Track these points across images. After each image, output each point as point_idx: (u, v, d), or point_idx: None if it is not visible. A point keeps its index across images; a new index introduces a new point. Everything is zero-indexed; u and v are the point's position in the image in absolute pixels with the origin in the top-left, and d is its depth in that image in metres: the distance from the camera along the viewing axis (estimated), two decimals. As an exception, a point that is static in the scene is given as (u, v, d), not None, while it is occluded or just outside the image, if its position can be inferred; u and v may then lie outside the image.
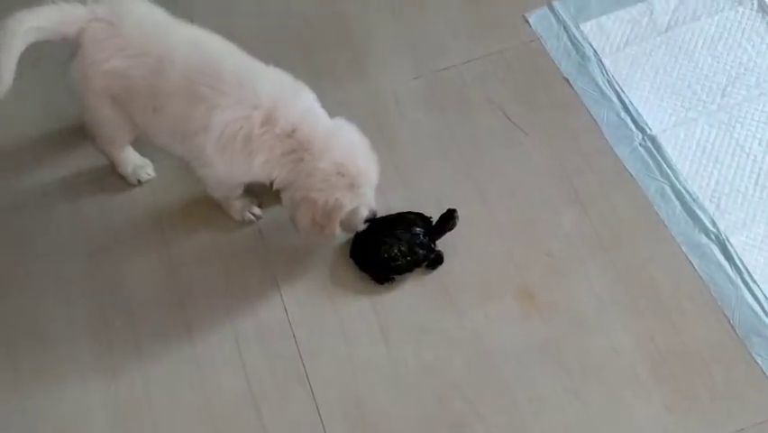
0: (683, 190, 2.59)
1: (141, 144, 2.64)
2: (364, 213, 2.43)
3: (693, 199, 2.58)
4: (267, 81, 2.30)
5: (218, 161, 2.32)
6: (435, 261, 2.50)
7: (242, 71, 2.28)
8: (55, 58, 2.44)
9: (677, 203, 2.58)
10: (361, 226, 2.48)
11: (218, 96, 2.25)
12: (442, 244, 2.51)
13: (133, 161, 2.64)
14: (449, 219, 2.51)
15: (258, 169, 2.31)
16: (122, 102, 2.37)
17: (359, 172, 2.32)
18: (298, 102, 2.33)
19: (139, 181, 2.66)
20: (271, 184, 2.38)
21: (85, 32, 2.31)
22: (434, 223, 2.53)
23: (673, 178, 2.62)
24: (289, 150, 2.28)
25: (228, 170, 2.35)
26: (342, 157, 2.30)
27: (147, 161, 2.66)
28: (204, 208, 2.61)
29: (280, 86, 2.32)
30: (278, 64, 2.39)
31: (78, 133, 2.69)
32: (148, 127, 2.40)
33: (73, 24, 2.31)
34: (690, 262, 2.48)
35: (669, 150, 2.68)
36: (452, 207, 2.54)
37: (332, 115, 2.40)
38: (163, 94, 2.30)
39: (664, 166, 2.65)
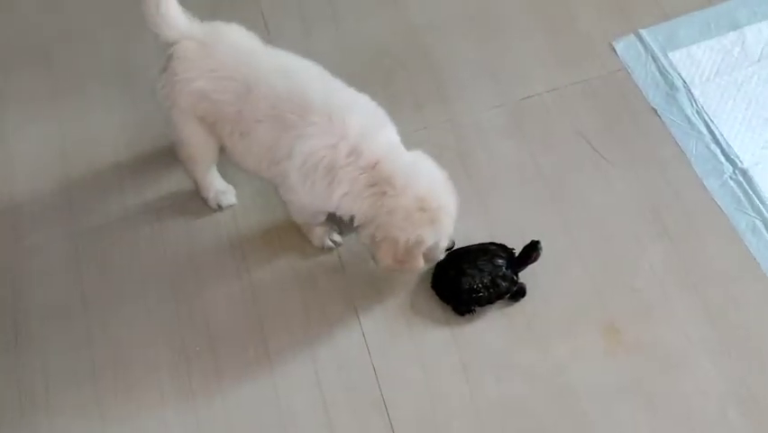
0: (776, 226, 2.57)
1: (224, 170, 2.70)
2: (444, 243, 2.45)
3: (786, 236, 2.55)
4: (356, 112, 2.33)
5: (301, 189, 2.36)
6: (518, 293, 2.51)
7: (331, 100, 2.32)
8: (139, 78, 2.50)
9: (769, 238, 2.56)
10: (442, 256, 2.49)
11: (305, 125, 2.29)
12: (524, 276, 2.51)
13: (216, 187, 2.69)
14: (532, 250, 2.51)
15: (337, 200, 2.33)
16: (210, 124, 2.43)
17: (439, 206, 2.34)
18: (383, 134, 2.36)
19: (219, 206, 2.72)
20: (351, 219, 2.40)
21: (178, 46, 2.38)
22: (516, 254, 2.53)
23: (765, 212, 2.59)
24: (371, 183, 2.30)
25: (310, 198, 2.39)
26: (423, 192, 2.31)
27: (230, 188, 2.72)
28: (284, 234, 2.66)
29: (368, 117, 2.35)
30: (360, 90, 2.43)
31: (162, 156, 2.77)
32: (236, 152, 2.45)
33: (173, 29, 2.38)
34: (783, 300, 2.46)
35: (761, 183, 2.65)
36: (535, 238, 2.54)
37: (413, 143, 2.42)
38: (250, 120, 2.35)
39: (756, 200, 2.62)
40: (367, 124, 2.32)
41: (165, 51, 2.40)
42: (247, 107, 2.34)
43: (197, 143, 2.52)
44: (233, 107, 2.36)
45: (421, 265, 2.42)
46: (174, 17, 2.38)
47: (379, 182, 2.30)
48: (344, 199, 2.33)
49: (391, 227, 2.32)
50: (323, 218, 2.56)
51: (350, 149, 2.29)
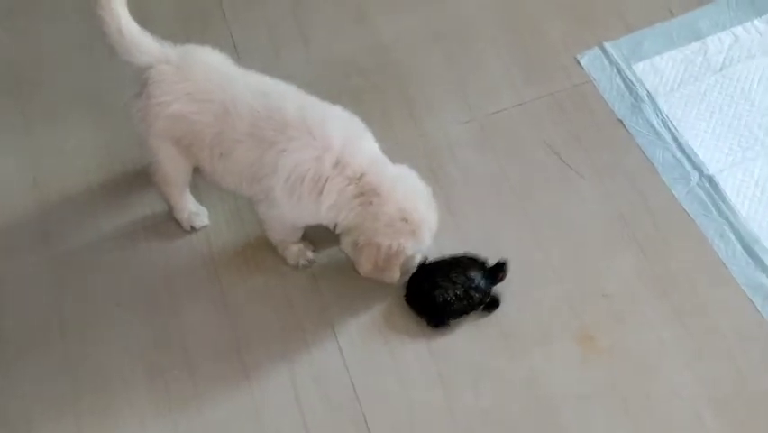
0: (743, 231, 2.63)
1: (197, 191, 2.73)
2: (418, 258, 2.51)
3: (754, 240, 2.61)
4: (335, 123, 2.39)
5: (286, 203, 2.40)
6: (492, 304, 2.55)
7: (309, 113, 2.37)
8: (111, 104, 2.53)
9: (737, 243, 2.61)
10: (412, 270, 2.54)
11: (287, 140, 2.34)
12: (497, 286, 2.56)
13: (189, 208, 2.72)
14: (499, 271, 2.56)
15: (325, 211, 2.39)
16: (186, 146, 2.47)
17: (421, 220, 2.40)
18: (366, 145, 2.43)
19: (193, 228, 2.74)
20: (334, 227, 2.45)
21: (152, 71, 2.42)
22: (489, 266, 2.57)
23: (732, 218, 2.65)
24: (358, 193, 2.36)
25: (295, 212, 2.43)
26: (407, 204, 2.38)
27: (203, 209, 2.75)
28: (258, 254, 2.69)
29: (347, 127, 2.41)
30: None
31: (134, 180, 2.80)
32: (215, 172, 2.49)
33: (144, 54, 2.42)
34: (753, 302, 2.51)
35: (727, 190, 2.71)
36: (506, 249, 2.59)
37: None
38: (230, 140, 2.39)
39: (722, 206, 2.68)
40: (348, 135, 2.38)
41: (140, 76, 2.44)
42: (226, 128, 2.39)
43: (172, 166, 2.55)
44: (212, 129, 2.40)
45: (397, 276, 2.47)
46: (142, 42, 2.42)
47: (365, 192, 2.36)
48: (332, 209, 2.38)
49: (375, 233, 2.37)
50: (299, 235, 2.60)
51: (335, 160, 2.34)
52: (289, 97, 2.41)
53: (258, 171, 2.40)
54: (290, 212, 2.44)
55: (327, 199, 2.37)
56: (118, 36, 2.39)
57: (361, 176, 2.36)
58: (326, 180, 2.35)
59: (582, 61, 3.03)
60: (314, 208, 2.39)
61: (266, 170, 2.38)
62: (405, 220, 2.37)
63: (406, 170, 2.47)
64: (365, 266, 2.45)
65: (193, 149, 2.47)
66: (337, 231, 2.45)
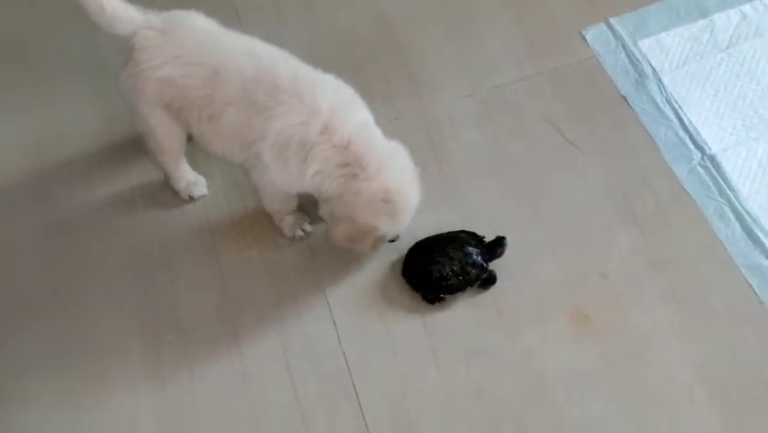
0: (743, 211, 2.60)
1: (195, 161, 2.72)
2: (390, 236, 2.51)
3: (753, 220, 2.58)
4: (326, 89, 2.35)
5: (274, 168, 2.38)
6: (488, 280, 2.53)
7: (301, 79, 2.34)
8: (110, 71, 2.52)
9: (737, 224, 2.59)
10: (381, 246, 2.55)
11: (276, 105, 2.31)
12: (494, 263, 2.54)
13: (187, 177, 2.70)
14: (498, 246, 2.54)
15: (310, 178, 2.36)
16: (176, 110, 2.44)
17: (402, 203, 2.38)
18: (356, 115, 2.39)
19: (191, 197, 2.73)
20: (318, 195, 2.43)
21: (136, 37, 2.39)
22: (486, 242, 2.56)
23: (733, 198, 2.63)
24: (344, 163, 2.33)
25: (283, 177, 2.40)
26: (391, 184, 2.35)
27: (201, 178, 2.73)
28: (255, 225, 2.68)
29: (339, 95, 2.38)
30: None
31: (132, 147, 2.78)
32: (204, 136, 2.46)
33: (126, 23, 2.39)
34: (750, 284, 2.49)
35: (729, 169, 2.69)
36: (505, 226, 2.58)
37: (385, 133, 2.44)
38: (219, 103, 2.36)
39: (724, 186, 2.65)
40: (337, 102, 2.34)
41: (126, 45, 2.41)
42: (216, 91, 2.36)
43: (164, 132, 2.52)
44: (202, 92, 2.37)
45: (368, 250, 2.48)
46: (124, 12, 2.40)
47: (351, 163, 2.33)
48: (316, 177, 2.35)
49: (354, 208, 2.35)
50: (294, 204, 2.58)
51: (322, 126, 2.31)
52: (281, 62, 2.38)
53: (247, 135, 2.37)
54: (279, 177, 2.41)
55: (312, 166, 2.33)
56: (100, 12, 2.37)
57: (348, 144, 2.32)
58: (312, 146, 2.31)
59: (587, 36, 3.00)
60: (299, 174, 2.36)
61: (255, 135, 2.35)
62: (386, 201, 2.35)
63: (397, 147, 2.43)
64: (338, 236, 2.44)
65: (183, 113, 2.44)
66: (320, 198, 2.43)
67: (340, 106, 2.35)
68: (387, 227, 2.41)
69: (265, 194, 2.56)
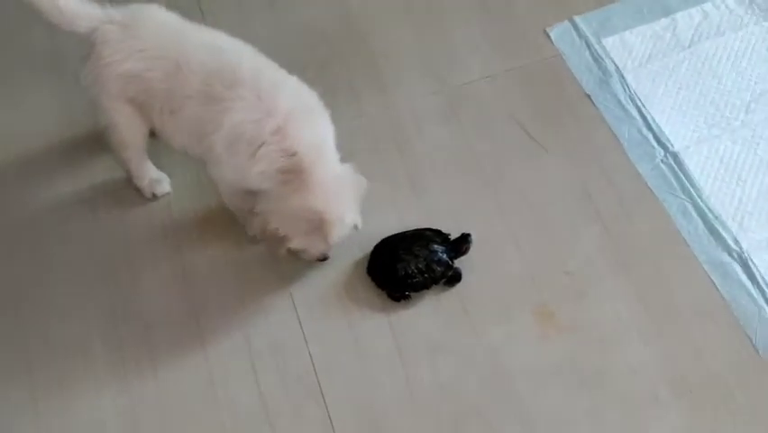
0: (705, 208, 2.61)
1: (158, 159, 2.68)
2: (314, 255, 2.48)
3: (716, 217, 2.59)
4: (288, 92, 2.33)
5: (225, 160, 2.35)
6: (453, 278, 2.52)
7: (263, 76, 2.31)
8: (69, 66, 2.47)
9: (699, 221, 2.60)
10: (311, 262, 2.53)
11: (233, 99, 2.28)
12: (459, 260, 2.53)
13: (150, 175, 2.67)
14: (463, 243, 2.54)
15: (254, 176, 2.33)
16: (139, 104, 2.41)
17: (321, 227, 2.34)
18: (314, 127, 2.35)
19: (154, 195, 2.69)
20: None
21: (98, 32, 2.35)
22: (451, 240, 2.55)
23: (696, 195, 2.64)
24: (286, 168, 2.30)
25: (233, 171, 2.37)
26: (320, 206, 2.31)
27: (164, 176, 2.70)
28: (218, 223, 2.65)
29: (301, 101, 2.35)
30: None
31: (93, 145, 2.73)
32: (166, 130, 2.43)
33: (86, 20, 2.35)
34: (712, 280, 2.50)
35: (691, 167, 2.69)
36: (470, 223, 2.57)
37: (349, 131, 2.42)
38: (180, 96, 2.33)
39: (686, 183, 2.66)
40: (296, 107, 2.32)
41: (87, 40, 2.37)
42: (177, 84, 2.33)
43: (127, 127, 2.49)
44: (163, 84, 2.34)
45: (281, 254, 2.44)
46: (82, 9, 2.36)
47: (292, 171, 2.30)
48: (259, 177, 2.33)
49: (273, 212, 2.34)
50: (254, 201, 2.55)
51: (275, 127, 2.28)
52: (246, 57, 2.35)
53: (203, 128, 2.34)
54: (229, 171, 2.38)
55: (258, 165, 2.30)
56: (57, 14, 2.34)
57: (296, 153, 2.29)
58: (261, 145, 2.28)
59: (552, 35, 2.99)
60: (246, 170, 2.33)
61: (210, 126, 2.32)
62: (305, 219, 2.32)
63: (348, 174, 2.40)
64: (252, 229, 2.44)
65: (146, 107, 2.41)
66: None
67: (298, 113, 2.31)
68: (298, 244, 2.39)
69: (222, 190, 2.53)
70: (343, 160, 2.41)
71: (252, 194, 2.47)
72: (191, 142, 2.42)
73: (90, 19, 2.36)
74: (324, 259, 2.51)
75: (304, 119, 2.33)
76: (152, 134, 2.53)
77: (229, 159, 2.34)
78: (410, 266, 2.47)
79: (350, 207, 2.40)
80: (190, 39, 2.37)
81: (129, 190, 2.70)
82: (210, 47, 2.35)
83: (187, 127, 2.38)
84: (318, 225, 2.34)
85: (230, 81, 2.29)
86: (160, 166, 2.70)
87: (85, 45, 2.39)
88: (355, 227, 2.44)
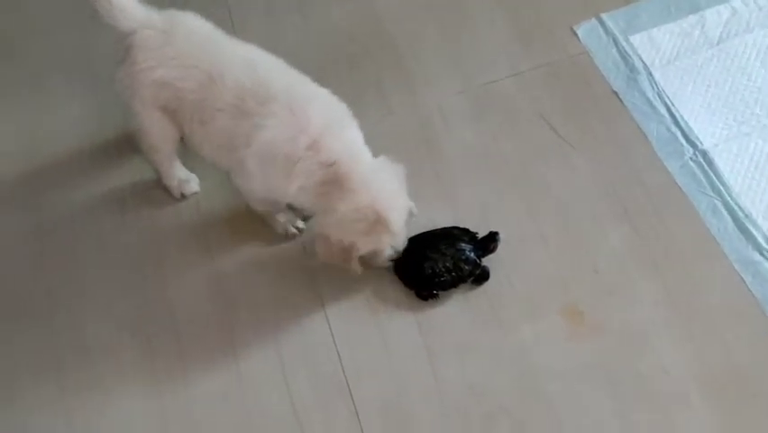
0: (735, 206, 2.57)
1: (186, 159, 2.68)
2: (388, 253, 2.46)
3: (746, 215, 2.56)
4: (319, 105, 2.32)
5: (256, 178, 2.36)
6: (481, 276, 2.51)
7: (295, 92, 2.31)
8: (100, 68, 2.48)
9: (729, 219, 2.56)
10: (387, 264, 2.50)
11: (266, 115, 2.28)
12: (487, 259, 2.52)
13: (178, 175, 2.67)
14: (490, 242, 2.52)
15: (293, 192, 2.33)
16: (171, 112, 2.42)
17: (378, 220, 2.32)
18: (345, 134, 2.35)
19: (183, 195, 2.70)
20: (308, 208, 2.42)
21: (135, 36, 2.35)
22: (479, 238, 2.53)
23: (725, 193, 2.60)
24: (326, 180, 2.30)
25: (266, 187, 2.38)
26: (367, 201, 2.30)
27: (192, 176, 2.71)
28: (247, 223, 2.64)
29: (330, 112, 2.34)
30: (321, 77, 2.42)
31: (123, 146, 2.75)
32: (194, 138, 2.44)
33: (130, 18, 2.35)
34: (743, 279, 2.46)
35: (721, 165, 2.66)
36: (497, 221, 2.56)
37: (378, 130, 2.40)
38: (211, 108, 2.33)
39: (716, 181, 2.63)
40: (329, 120, 2.31)
41: (122, 42, 2.38)
42: (209, 96, 2.33)
43: (159, 133, 2.50)
44: (195, 95, 2.35)
45: (357, 269, 2.42)
46: (131, 7, 2.36)
47: (332, 182, 2.30)
48: (300, 192, 2.33)
49: (326, 226, 2.34)
50: (282, 205, 2.55)
51: (310, 142, 2.28)
52: (278, 72, 2.35)
53: (233, 141, 2.34)
54: (261, 187, 2.39)
55: (296, 181, 2.30)
56: (107, 3, 2.33)
57: (334, 163, 2.29)
58: (298, 161, 2.28)
59: (579, 32, 2.97)
60: (283, 188, 2.33)
61: (240, 141, 2.32)
62: (358, 219, 2.31)
63: (385, 164, 2.39)
64: (320, 253, 2.41)
65: (177, 115, 2.41)
66: (309, 212, 2.42)
67: (331, 124, 2.31)
68: (365, 245, 2.37)
69: (249, 199, 2.54)
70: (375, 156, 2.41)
71: (278, 202, 2.49)
72: (220, 154, 2.42)
73: (134, 19, 2.36)
74: (398, 255, 2.49)
75: (337, 129, 2.32)
76: (182, 138, 2.53)
77: (262, 176, 2.34)
78: (438, 265, 2.46)
79: (397, 192, 2.39)
80: (224, 51, 2.37)
81: (158, 190, 2.71)
82: (244, 61, 2.34)
83: (217, 139, 2.38)
84: (376, 220, 2.32)
85: (263, 97, 2.28)
86: (188, 165, 2.70)
87: (119, 48, 2.40)
88: (411, 213, 2.45)
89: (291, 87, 2.32)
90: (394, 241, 2.41)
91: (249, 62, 2.34)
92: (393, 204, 2.36)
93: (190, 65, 2.34)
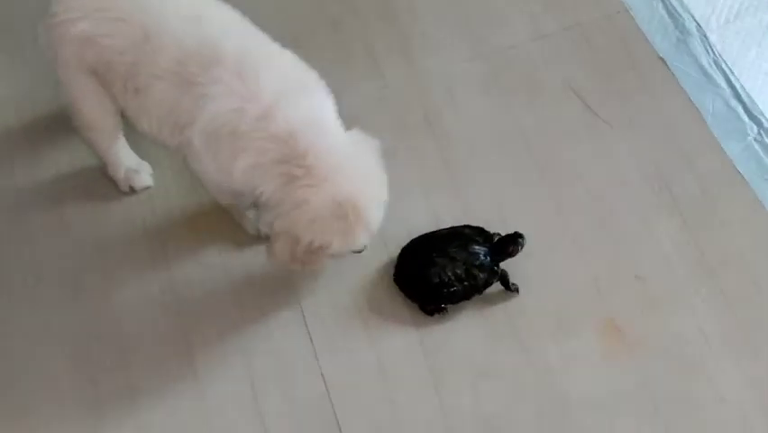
0: (809, 198, 2.61)
1: (137, 143, 2.68)
2: (355, 249, 2.44)
3: (823, 210, 2.59)
4: (274, 70, 2.30)
5: (205, 159, 2.35)
6: (504, 283, 2.52)
7: (249, 54, 2.29)
8: (32, 34, 2.48)
9: (801, 213, 2.59)
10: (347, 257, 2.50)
11: (210, 82, 2.25)
12: (507, 264, 2.52)
13: (127, 164, 2.68)
14: (510, 244, 2.52)
15: (240, 174, 2.29)
16: (101, 76, 2.40)
17: (358, 220, 2.31)
18: (306, 101, 2.31)
19: (132, 189, 2.71)
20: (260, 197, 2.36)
21: None
22: (496, 239, 2.54)
23: (797, 182, 2.63)
24: (282, 158, 2.26)
25: (216, 171, 2.36)
26: (345, 195, 2.27)
27: (144, 165, 2.71)
28: (212, 221, 2.65)
29: (289, 77, 2.32)
30: (301, 43, 2.42)
31: (61, 129, 2.74)
32: (128, 110, 2.42)
33: None
34: (819, 288, 2.50)
35: (792, 147, 2.69)
36: (518, 218, 2.58)
37: (371, 104, 2.40)
38: (147, 74, 2.31)
39: (786, 167, 2.66)
40: (287, 86, 2.29)
41: None
42: (144, 59, 2.31)
43: (91, 105, 2.48)
44: (126, 57, 2.32)
45: (322, 269, 2.43)
46: None
47: (290, 161, 2.26)
48: (249, 173, 2.29)
49: (295, 224, 2.30)
50: (250, 199, 2.55)
51: (260, 112, 2.24)
52: (230, 30, 2.33)
53: (178, 119, 2.33)
54: (212, 171, 2.37)
55: (243, 159, 2.27)
56: None
57: (289, 136, 2.25)
58: (244, 135, 2.25)
59: (617, -15, 2.99)
60: (229, 169, 2.30)
61: (186, 118, 2.31)
62: (338, 218, 2.28)
63: (359, 139, 2.36)
64: (279, 255, 2.38)
65: (106, 81, 2.39)
66: (260, 201, 2.35)
67: (289, 92, 2.28)
68: (339, 247, 2.35)
69: (210, 189, 2.52)
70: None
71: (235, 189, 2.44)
72: (162, 132, 2.40)
73: None
74: (361, 250, 2.49)
75: (295, 98, 2.29)
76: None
77: (212, 159, 2.32)
78: (446, 272, 2.47)
79: (376, 179, 2.38)
80: (165, 2, 2.34)
81: (103, 182, 2.71)
82: (188, 16, 2.31)
83: (156, 113, 2.36)
84: (352, 213, 2.30)
85: (207, 59, 2.26)
86: (140, 151, 2.71)
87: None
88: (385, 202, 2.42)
89: (243, 47, 2.30)
90: (368, 239, 2.40)
91: (194, 16, 2.32)
92: (372, 194, 2.35)
93: (119, 18, 2.31)
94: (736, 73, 2.81)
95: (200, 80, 2.26)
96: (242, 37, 2.33)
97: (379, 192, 2.36)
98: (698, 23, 2.90)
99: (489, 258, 2.50)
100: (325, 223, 2.29)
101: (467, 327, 2.50)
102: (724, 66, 2.82)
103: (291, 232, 2.31)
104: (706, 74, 2.82)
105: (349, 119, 2.38)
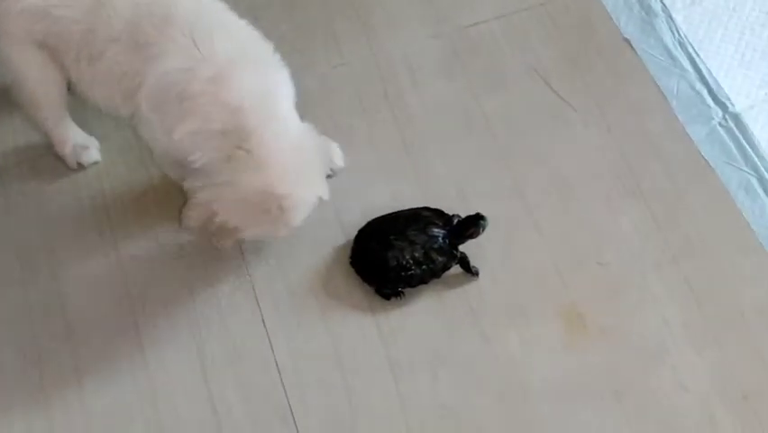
0: (775, 184, 2.62)
1: (84, 118, 2.66)
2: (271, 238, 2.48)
3: (787, 195, 2.60)
4: (229, 36, 2.28)
5: (153, 125, 2.32)
6: (464, 267, 2.51)
7: (202, 17, 2.27)
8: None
9: (766, 199, 2.60)
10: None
11: (162, 42, 2.23)
12: (467, 248, 2.52)
13: (74, 140, 2.65)
14: (471, 225, 2.51)
15: (182, 138, 2.27)
16: (50, 49, 2.37)
17: (281, 217, 2.32)
18: (261, 74, 2.30)
19: (80, 165, 2.68)
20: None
21: None
22: (456, 222, 2.53)
23: (762, 167, 2.64)
24: (226, 131, 2.25)
25: (163, 136, 2.33)
26: (276, 190, 2.27)
27: (92, 140, 2.69)
28: (163, 199, 2.63)
29: (245, 46, 2.30)
30: (257, 13, 2.41)
31: (2, 100, 2.69)
32: (82, 81, 2.39)
33: None
34: (783, 274, 2.51)
35: (756, 131, 2.70)
36: (478, 201, 2.57)
37: (328, 83, 2.38)
38: (101, 40, 2.28)
39: (750, 152, 2.67)
40: (241, 54, 2.27)
41: None
42: (99, 25, 2.28)
43: (38, 80, 2.46)
44: (80, 25, 2.29)
45: (227, 246, 2.44)
46: None
47: (234, 135, 2.25)
48: (190, 139, 2.27)
49: (218, 200, 2.30)
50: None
51: (212, 74, 2.22)
52: None
53: (129, 82, 2.30)
54: (164, 138, 2.33)
55: (188, 122, 2.25)
56: None
57: (239, 108, 2.23)
58: (193, 97, 2.23)
59: (582, -37, 2.99)
60: (176, 132, 2.27)
61: (137, 80, 2.28)
62: (264, 211, 2.29)
63: (308, 134, 2.37)
64: (191, 221, 2.38)
65: (59, 53, 2.37)
66: (190, 164, 2.33)
67: (243, 60, 2.26)
68: (253, 234, 2.39)
69: (157, 158, 2.51)
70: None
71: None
72: (114, 100, 2.37)
73: None
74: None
75: (250, 69, 2.27)
76: (70, 88, 2.49)
77: (157, 120, 2.30)
78: (404, 255, 2.46)
79: (314, 180, 2.38)
80: None
81: (48, 159, 2.69)
82: None
83: (109, 79, 2.33)
84: (277, 209, 2.31)
85: (160, 20, 2.24)
86: (87, 127, 2.68)
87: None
88: (320, 199, 2.42)
89: (198, 10, 2.28)
90: (288, 234, 2.41)
91: None
92: (304, 195, 2.35)
93: None
94: (701, 55, 2.82)
95: (152, 41, 2.23)
96: (197, 0, 2.31)
97: (312, 194, 2.37)
98: (663, 3, 2.91)
99: (447, 241, 2.49)
100: (247, 209, 2.30)
101: (425, 312, 2.50)
102: (689, 48, 2.83)
103: (210, 207, 2.31)
104: (671, 56, 2.82)
105: (304, 96, 2.38)
